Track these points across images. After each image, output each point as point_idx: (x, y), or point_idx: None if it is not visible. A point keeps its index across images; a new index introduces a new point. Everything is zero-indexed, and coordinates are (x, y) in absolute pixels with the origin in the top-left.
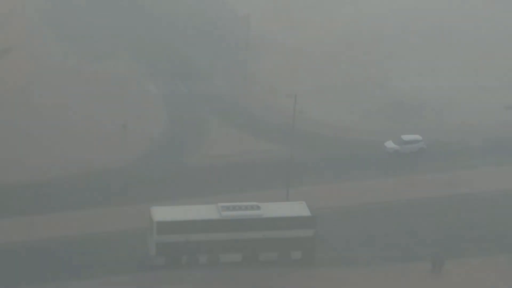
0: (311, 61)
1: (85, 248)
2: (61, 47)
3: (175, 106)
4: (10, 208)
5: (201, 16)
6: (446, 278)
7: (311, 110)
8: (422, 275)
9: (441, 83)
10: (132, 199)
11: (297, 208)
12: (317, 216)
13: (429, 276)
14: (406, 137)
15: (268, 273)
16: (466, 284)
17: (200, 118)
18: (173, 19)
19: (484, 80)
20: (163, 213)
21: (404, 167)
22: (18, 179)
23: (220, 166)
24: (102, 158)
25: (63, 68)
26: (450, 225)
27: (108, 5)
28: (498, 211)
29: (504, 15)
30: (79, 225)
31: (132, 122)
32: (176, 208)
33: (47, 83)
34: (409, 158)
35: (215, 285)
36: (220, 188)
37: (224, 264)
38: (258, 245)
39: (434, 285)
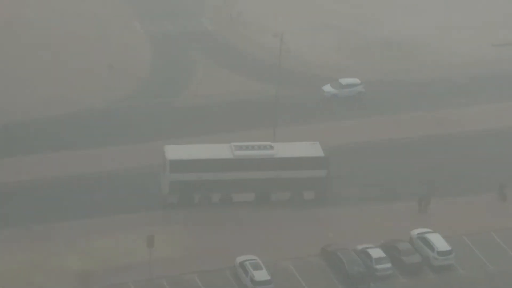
0: (299, 0)
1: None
2: None
3: (162, 46)
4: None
5: None
6: (433, 216)
7: (298, 50)
8: (408, 213)
9: (428, 22)
10: (117, 139)
11: (311, 149)
12: (330, 157)
13: (416, 214)
14: (344, 80)
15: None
16: (451, 221)
17: (187, 58)
18: None
19: (471, 19)
20: (176, 151)
21: (386, 106)
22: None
23: (207, 105)
24: (88, 98)
25: (48, 8)
26: (435, 164)
27: None
28: (484, 149)
29: None
30: (74, 164)
31: (119, 62)
32: (189, 147)
33: (31, 22)
34: (391, 97)
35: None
36: (207, 128)
37: (237, 203)
38: (271, 185)
39: (421, 223)
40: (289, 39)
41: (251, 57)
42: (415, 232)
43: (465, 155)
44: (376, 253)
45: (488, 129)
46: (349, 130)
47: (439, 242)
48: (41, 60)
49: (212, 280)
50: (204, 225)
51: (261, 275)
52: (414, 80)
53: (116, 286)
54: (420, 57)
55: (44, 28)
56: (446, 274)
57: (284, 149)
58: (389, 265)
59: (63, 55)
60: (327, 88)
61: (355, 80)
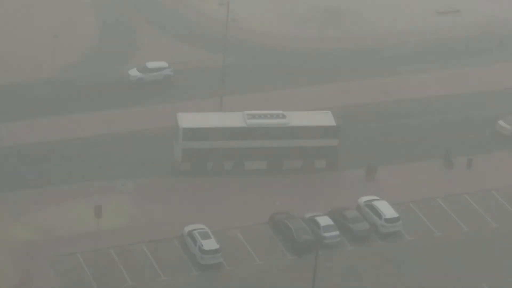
0: None
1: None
2: None
3: (107, 15)
4: None
5: None
6: (380, 184)
7: (245, 18)
8: (356, 181)
9: None
10: (62, 109)
11: (323, 118)
12: (341, 125)
13: (363, 182)
14: (150, 64)
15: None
16: (398, 188)
17: (133, 27)
18: None
19: None
20: (189, 119)
21: (332, 75)
22: None
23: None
24: (33, 68)
25: None
26: (382, 132)
27: None
28: (430, 117)
29: None
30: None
31: (64, 32)
32: (202, 115)
33: None
34: (334, 66)
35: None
36: (155, 98)
37: (249, 171)
38: (283, 153)
39: (368, 190)
40: (235, 8)
41: (196, 26)
42: (363, 199)
43: (411, 123)
44: (324, 221)
45: (433, 96)
46: (306, 97)
47: (386, 209)
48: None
49: (161, 249)
50: (151, 195)
51: (210, 244)
52: (359, 48)
53: (64, 257)
54: (364, 25)
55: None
56: (394, 241)
57: (297, 118)
58: (337, 232)
59: (7, 26)
60: (133, 72)
61: (163, 64)
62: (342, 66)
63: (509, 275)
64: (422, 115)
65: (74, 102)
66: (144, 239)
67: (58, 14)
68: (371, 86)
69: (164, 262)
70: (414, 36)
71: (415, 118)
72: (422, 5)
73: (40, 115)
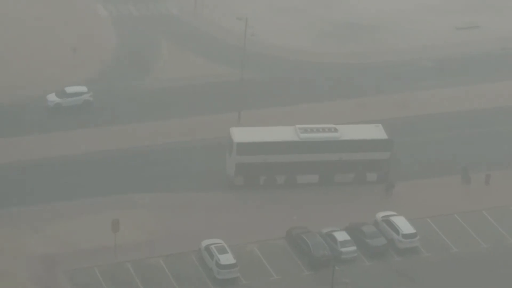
0: None
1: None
2: None
3: (126, 29)
4: None
5: None
6: (398, 199)
7: (263, 33)
8: (374, 196)
9: (392, 5)
10: (84, 123)
11: (374, 131)
12: (394, 139)
13: (381, 197)
14: (69, 89)
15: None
16: (416, 204)
17: (152, 41)
18: None
19: (433, 2)
20: (242, 134)
21: (352, 89)
22: None
23: (172, 89)
24: (52, 81)
25: None
26: (401, 146)
27: None
28: (449, 132)
29: None
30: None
31: (83, 45)
32: (255, 129)
33: None
34: (356, 81)
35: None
36: (172, 112)
37: (301, 185)
38: (335, 166)
39: (386, 206)
40: (254, 23)
41: (215, 41)
42: (380, 215)
43: (430, 138)
44: (341, 236)
45: (452, 112)
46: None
47: (404, 225)
48: (5, 44)
49: (177, 263)
50: (168, 208)
51: (227, 258)
52: (380, 63)
53: (81, 271)
54: (384, 40)
55: (7, 13)
56: (411, 257)
57: (348, 132)
58: (354, 248)
59: (27, 39)
60: (51, 97)
61: (82, 88)
62: (361, 81)
63: None
64: (441, 131)
65: (91, 115)
66: (161, 253)
67: (76, 28)
68: (389, 101)
69: (181, 276)
70: (433, 51)
71: (434, 133)
72: (442, 21)
73: (58, 129)
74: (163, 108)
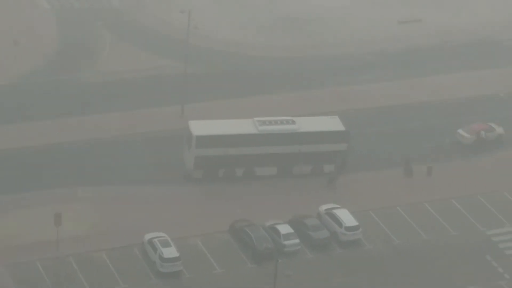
0: None
1: None
2: None
3: (68, 22)
4: None
5: None
6: (340, 192)
7: (206, 26)
8: (316, 189)
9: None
10: (21, 116)
11: (331, 123)
12: (350, 131)
13: (324, 190)
14: None
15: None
16: (358, 197)
17: (94, 34)
18: None
19: None
20: (201, 127)
21: (292, 83)
22: None
23: (115, 82)
24: None
25: None
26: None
27: None
28: (390, 125)
29: None
30: None
31: (25, 38)
32: (213, 122)
33: None
34: (297, 74)
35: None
36: (115, 105)
37: (260, 177)
38: (293, 158)
39: (329, 198)
40: (196, 16)
41: (158, 34)
42: (323, 207)
43: (371, 131)
44: (284, 229)
45: (393, 105)
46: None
47: (346, 217)
48: None
49: (120, 257)
50: (111, 202)
51: (170, 252)
52: (321, 56)
53: (23, 264)
54: (326, 34)
55: None
56: (354, 249)
57: (306, 124)
58: (297, 240)
59: None
60: None
61: None
62: (302, 74)
63: (468, 283)
64: (382, 124)
65: (33, 108)
66: (104, 247)
67: (17, 21)
68: (330, 94)
69: (124, 270)
70: (375, 44)
71: (375, 126)
72: (384, 15)
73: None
74: (106, 101)
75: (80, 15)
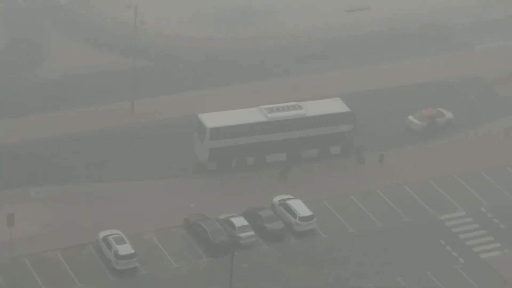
0: None
1: None
2: None
3: (14, 21)
4: None
5: None
6: (293, 182)
7: (153, 21)
8: (270, 180)
9: None
10: None
11: (335, 105)
12: (356, 112)
13: (277, 181)
14: None
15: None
16: (311, 187)
17: (41, 32)
18: None
19: None
20: (213, 119)
21: (247, 74)
22: None
23: (64, 80)
24: None
25: None
26: None
27: None
28: None
29: None
30: None
31: None
32: (222, 114)
33: None
34: (249, 65)
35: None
36: (65, 103)
37: (270, 164)
38: (301, 143)
39: (282, 189)
40: (143, 11)
41: (105, 30)
42: (277, 199)
43: None
44: (239, 221)
45: (343, 93)
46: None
47: (300, 208)
48: None
49: (76, 256)
50: (64, 200)
51: (125, 248)
52: (270, 47)
53: None
54: (275, 24)
55: None
56: (309, 239)
57: (312, 108)
58: (252, 233)
59: None
60: None
61: None
62: (253, 66)
63: (424, 268)
64: None
65: None
66: (59, 246)
67: None
68: (283, 85)
69: (79, 268)
70: (324, 33)
71: None
72: (331, 3)
73: None
74: (55, 100)
75: (26, 13)
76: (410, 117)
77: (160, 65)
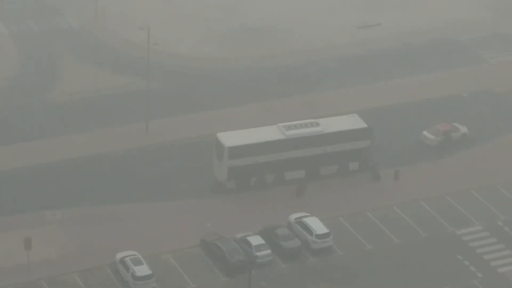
0: None
1: None
2: None
3: (27, 45)
4: None
5: None
6: (309, 200)
7: (166, 42)
8: (286, 198)
9: (290, 6)
10: None
11: (352, 121)
12: (373, 127)
13: (293, 199)
14: None
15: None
16: (327, 204)
17: (54, 55)
18: None
19: (333, 1)
20: (231, 138)
21: (258, 93)
22: None
23: (78, 102)
24: None
25: None
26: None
27: None
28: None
29: None
30: None
31: None
32: (240, 132)
33: None
34: (262, 84)
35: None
36: (80, 125)
37: (289, 181)
38: (320, 160)
39: (299, 207)
40: (155, 32)
41: (118, 52)
42: (293, 216)
43: None
44: (256, 240)
45: (358, 109)
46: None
47: (317, 225)
48: None
49: (93, 278)
50: (80, 223)
51: (142, 270)
52: (283, 65)
53: None
54: (288, 42)
55: None
56: (326, 257)
57: (329, 124)
58: (269, 251)
59: None
60: None
61: None
62: (267, 84)
63: (442, 283)
64: None
65: None
66: (76, 268)
67: None
68: (296, 102)
69: None
70: (336, 51)
71: None
72: (343, 21)
73: None
74: (69, 122)
75: (39, 37)
76: (425, 133)
77: (173, 85)
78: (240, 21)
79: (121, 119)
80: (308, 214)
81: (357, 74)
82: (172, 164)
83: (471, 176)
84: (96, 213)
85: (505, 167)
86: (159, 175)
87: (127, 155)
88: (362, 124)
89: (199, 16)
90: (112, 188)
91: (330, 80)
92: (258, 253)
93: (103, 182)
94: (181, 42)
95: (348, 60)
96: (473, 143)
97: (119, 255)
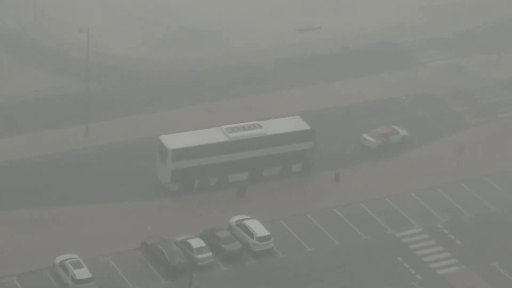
0: None
1: None
2: None
3: None
4: None
5: None
6: (250, 203)
7: (105, 44)
8: (226, 201)
9: (230, 9)
10: None
11: (295, 123)
12: (315, 129)
13: (234, 202)
14: None
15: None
16: (268, 206)
17: None
18: None
19: (273, 4)
20: (174, 140)
21: (196, 96)
22: None
23: (16, 104)
24: None
25: None
26: None
27: None
28: None
29: None
30: None
31: None
32: (183, 135)
33: None
34: (199, 87)
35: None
36: (18, 128)
37: (232, 183)
38: (262, 162)
39: (239, 210)
40: (95, 33)
41: (57, 53)
42: (234, 219)
43: None
44: (197, 243)
45: (297, 112)
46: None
47: (257, 228)
48: None
49: (32, 281)
50: (18, 225)
51: (82, 273)
52: (223, 67)
53: None
54: (226, 44)
55: None
56: (267, 259)
57: (272, 126)
58: (209, 254)
59: None
60: None
61: None
62: (206, 86)
63: (382, 285)
64: None
65: None
66: (15, 272)
67: None
68: (235, 105)
69: None
70: (275, 53)
71: None
72: (283, 23)
73: None
74: (7, 124)
75: None
76: (365, 135)
77: (113, 88)
78: (180, 23)
79: (60, 122)
80: (249, 217)
81: (297, 77)
82: (112, 167)
83: (411, 179)
84: (35, 215)
85: (444, 170)
86: (100, 177)
87: (66, 158)
88: (304, 126)
89: (138, 18)
90: (52, 190)
91: (270, 82)
92: (199, 256)
93: (42, 184)
94: (120, 44)
95: (288, 62)
96: (412, 146)
97: (59, 258)
